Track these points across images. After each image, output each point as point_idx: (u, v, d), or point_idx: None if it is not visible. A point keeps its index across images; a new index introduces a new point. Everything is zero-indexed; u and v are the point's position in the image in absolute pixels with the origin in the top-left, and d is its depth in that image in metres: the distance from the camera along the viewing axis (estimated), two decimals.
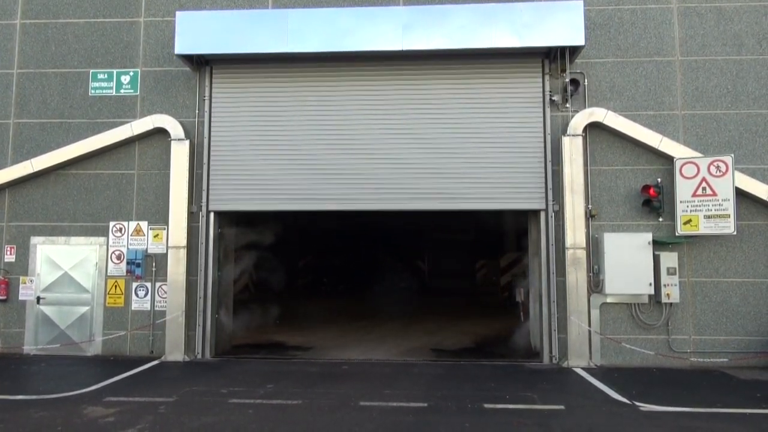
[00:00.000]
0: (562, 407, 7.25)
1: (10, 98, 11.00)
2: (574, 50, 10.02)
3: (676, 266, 9.79)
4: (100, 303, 10.57)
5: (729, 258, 9.93)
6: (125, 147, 10.76)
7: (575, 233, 9.96)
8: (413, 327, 14.43)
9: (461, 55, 10.33)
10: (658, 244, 9.86)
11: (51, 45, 11.05)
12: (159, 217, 10.59)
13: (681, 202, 9.69)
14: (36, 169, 10.63)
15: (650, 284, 9.71)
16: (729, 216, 9.40)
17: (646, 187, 9.98)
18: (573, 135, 10.09)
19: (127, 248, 10.57)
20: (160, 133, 10.65)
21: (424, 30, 9.89)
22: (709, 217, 9.52)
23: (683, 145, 10.02)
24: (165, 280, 10.39)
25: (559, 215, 10.13)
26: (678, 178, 9.73)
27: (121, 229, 10.63)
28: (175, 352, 10.16)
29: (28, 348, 10.54)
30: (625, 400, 7.63)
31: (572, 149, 10.06)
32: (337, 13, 10.10)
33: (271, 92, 10.74)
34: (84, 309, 10.62)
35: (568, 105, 10.27)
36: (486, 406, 7.27)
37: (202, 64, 10.71)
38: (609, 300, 9.96)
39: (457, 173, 10.46)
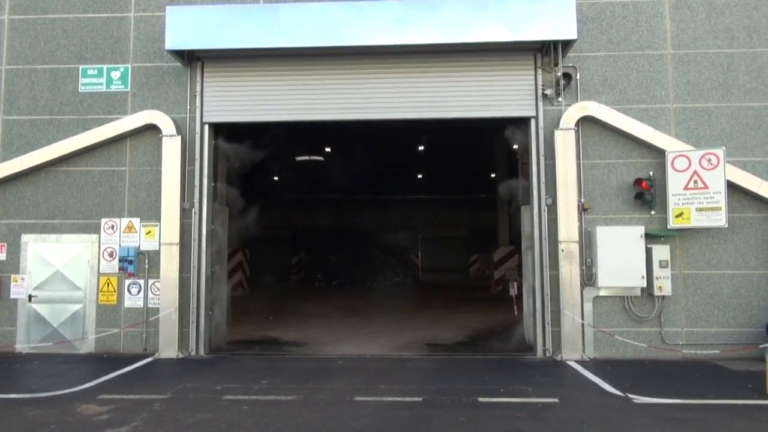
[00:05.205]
0: (556, 400, 7.29)
1: None
2: (566, 44, 10.01)
3: (668, 259, 9.84)
4: (93, 300, 10.51)
5: (720, 250, 9.99)
6: (116, 143, 10.68)
7: (568, 227, 9.98)
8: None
9: (454, 50, 10.30)
10: (650, 237, 9.91)
11: (40, 41, 10.94)
12: (151, 213, 10.52)
13: (673, 195, 9.74)
14: (26, 166, 10.53)
15: (643, 277, 9.76)
16: (720, 208, 9.45)
17: (638, 181, 10.02)
18: (565, 129, 10.10)
19: (119, 245, 10.51)
20: (152, 129, 10.57)
21: (416, 24, 9.84)
22: (700, 209, 9.56)
23: (675, 138, 10.06)
24: (158, 277, 10.34)
25: (552, 209, 10.15)
26: (670, 171, 9.77)
27: (113, 226, 10.56)
28: (168, 349, 10.12)
29: (20, 346, 10.46)
30: (618, 392, 7.67)
31: (565, 143, 10.07)
32: (329, 8, 10.03)
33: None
34: (76, 307, 10.56)
35: (560, 99, 10.28)
36: (480, 399, 7.29)
37: (193, 59, 10.63)
38: (602, 293, 10.00)
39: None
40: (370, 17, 9.91)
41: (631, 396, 7.46)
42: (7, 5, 11.02)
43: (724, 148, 9.61)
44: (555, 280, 10.03)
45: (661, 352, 9.75)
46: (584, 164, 10.20)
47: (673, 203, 9.73)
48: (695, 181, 9.60)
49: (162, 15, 10.53)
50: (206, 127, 10.69)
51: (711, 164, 9.54)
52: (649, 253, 9.84)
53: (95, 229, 10.60)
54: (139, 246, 10.51)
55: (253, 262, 23.29)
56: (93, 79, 10.81)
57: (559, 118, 10.19)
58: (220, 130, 11.20)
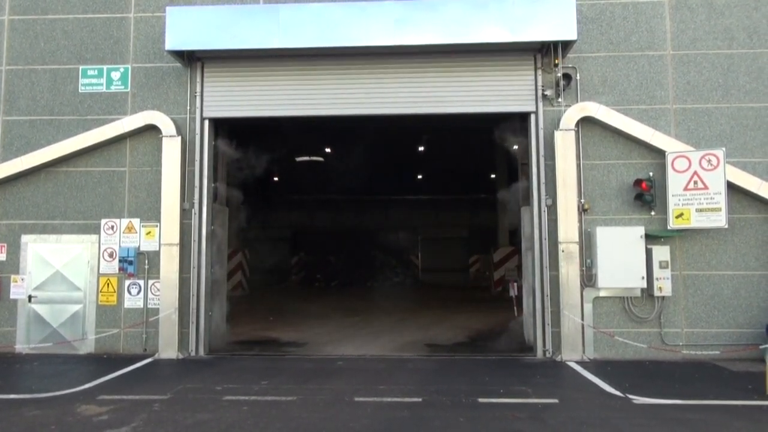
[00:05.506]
0: (555, 401, 7.29)
1: None
2: (566, 45, 10.01)
3: (668, 260, 9.83)
4: (93, 301, 10.50)
5: (720, 251, 9.99)
6: (116, 144, 10.68)
7: (568, 227, 9.98)
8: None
9: (454, 50, 10.30)
10: (650, 238, 9.91)
11: (40, 41, 10.94)
12: (151, 214, 10.52)
13: (673, 195, 9.73)
14: (26, 167, 10.53)
15: (643, 278, 9.75)
16: (720, 209, 9.45)
17: (638, 181, 10.02)
18: (565, 130, 10.10)
19: (119, 246, 10.51)
20: (152, 129, 10.57)
21: (416, 24, 9.84)
22: (700, 210, 9.56)
23: (675, 139, 10.06)
24: (158, 278, 10.33)
25: (552, 209, 10.15)
26: (670, 171, 9.77)
27: (113, 227, 10.56)
28: (168, 349, 10.12)
29: (20, 347, 10.46)
30: (618, 393, 7.67)
31: (565, 144, 10.07)
32: (329, 8, 10.03)
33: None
34: (76, 307, 10.55)
35: (560, 100, 10.28)
36: (480, 400, 7.29)
37: (193, 60, 10.63)
38: (602, 294, 10.00)
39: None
40: (370, 18, 9.91)
41: (631, 396, 7.46)
42: (7, 5, 11.02)
43: (724, 148, 9.61)
44: (555, 280, 10.03)
45: (661, 353, 9.75)
46: (584, 165, 10.19)
47: (673, 204, 9.73)
48: (695, 182, 9.60)
49: (162, 15, 10.53)
50: (206, 124, 10.67)
51: (711, 165, 9.53)
52: (649, 253, 9.84)
53: (95, 229, 10.60)
54: (139, 246, 10.50)
55: (253, 263, 23.30)
56: (93, 80, 10.81)
57: (559, 119, 10.19)
58: (220, 128, 11.23)
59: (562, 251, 9.94)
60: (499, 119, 11.08)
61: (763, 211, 9.99)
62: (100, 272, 10.54)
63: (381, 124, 12.65)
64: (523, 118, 10.70)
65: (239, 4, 10.64)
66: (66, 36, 10.93)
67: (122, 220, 10.57)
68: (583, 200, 10.10)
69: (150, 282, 10.44)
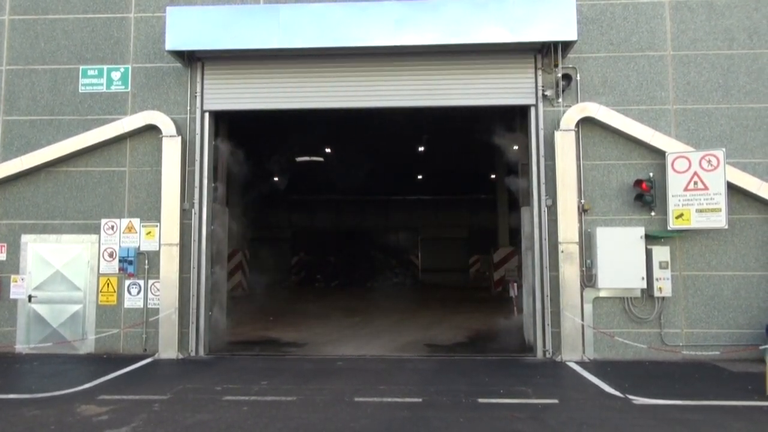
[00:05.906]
0: (555, 401, 7.29)
1: None
2: (566, 45, 10.00)
3: (668, 260, 9.83)
4: (93, 301, 10.50)
5: (720, 252, 9.99)
6: (116, 144, 10.68)
7: (568, 228, 9.98)
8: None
9: (454, 50, 10.30)
10: (650, 239, 9.91)
11: (40, 41, 10.94)
12: (151, 214, 10.52)
13: (673, 196, 9.73)
14: (26, 167, 10.53)
15: (643, 278, 9.75)
16: (720, 210, 9.45)
17: (638, 182, 10.02)
18: (565, 130, 10.10)
19: (119, 246, 10.51)
20: (152, 129, 10.57)
21: (416, 25, 9.84)
22: (700, 211, 9.56)
23: (675, 139, 10.06)
24: (158, 278, 10.33)
25: (552, 210, 10.14)
26: (670, 172, 9.77)
27: (113, 227, 10.56)
28: (168, 349, 10.12)
29: (20, 347, 10.46)
30: (618, 393, 7.67)
31: (565, 144, 10.07)
32: (329, 8, 10.03)
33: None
34: (76, 307, 10.55)
35: (560, 100, 10.28)
36: (480, 400, 7.29)
37: (193, 60, 10.63)
38: (602, 294, 10.00)
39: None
40: (370, 18, 9.91)
41: (630, 397, 7.46)
42: (7, 5, 11.02)
43: (724, 149, 9.61)
44: (555, 281, 10.03)
45: (661, 353, 9.75)
46: (584, 165, 10.19)
47: (673, 204, 9.73)
48: (695, 183, 9.60)
49: (162, 15, 10.53)
50: (206, 118, 10.66)
51: (711, 165, 9.53)
52: (649, 254, 9.84)
53: (95, 229, 10.60)
54: (139, 246, 10.50)
55: (253, 263, 23.30)
56: (93, 80, 10.81)
57: (559, 119, 10.19)
58: (220, 127, 11.25)
59: (562, 251, 9.94)
60: (499, 117, 11.08)
61: (763, 212, 9.99)
62: (100, 272, 10.54)
63: (381, 120, 12.65)
64: (523, 114, 10.73)
65: (239, 4, 10.64)
66: (66, 36, 10.93)
67: (122, 220, 10.57)
68: (583, 200, 10.10)
69: (150, 282, 10.44)
